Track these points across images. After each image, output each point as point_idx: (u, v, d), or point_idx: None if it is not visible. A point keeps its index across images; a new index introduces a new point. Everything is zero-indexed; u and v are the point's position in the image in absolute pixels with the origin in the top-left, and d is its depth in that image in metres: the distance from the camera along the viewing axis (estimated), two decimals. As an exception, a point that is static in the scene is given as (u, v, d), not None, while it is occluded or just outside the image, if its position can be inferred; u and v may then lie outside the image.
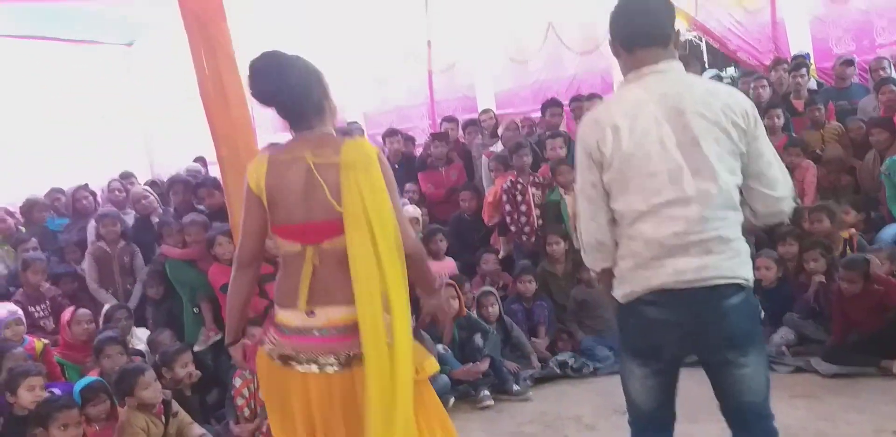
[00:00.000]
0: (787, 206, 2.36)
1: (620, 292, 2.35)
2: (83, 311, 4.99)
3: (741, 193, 2.30)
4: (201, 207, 6.01)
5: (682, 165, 2.20)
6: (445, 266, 5.78)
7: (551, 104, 7.16)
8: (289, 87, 2.22)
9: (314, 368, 2.24)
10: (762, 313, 4.50)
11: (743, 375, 2.29)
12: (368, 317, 2.16)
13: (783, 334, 4.76)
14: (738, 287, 2.25)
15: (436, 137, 7.40)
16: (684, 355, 2.39)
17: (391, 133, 7.71)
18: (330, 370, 2.23)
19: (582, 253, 2.47)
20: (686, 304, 2.23)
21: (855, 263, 4.56)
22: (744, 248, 2.29)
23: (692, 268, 2.21)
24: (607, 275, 2.41)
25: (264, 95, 2.25)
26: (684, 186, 2.20)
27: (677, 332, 2.27)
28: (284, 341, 2.28)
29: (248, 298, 2.50)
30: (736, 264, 2.25)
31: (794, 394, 4.10)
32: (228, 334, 2.57)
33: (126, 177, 7.32)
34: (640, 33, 2.31)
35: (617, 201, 2.29)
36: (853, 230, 5.32)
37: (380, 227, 2.17)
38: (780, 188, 2.30)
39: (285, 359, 2.27)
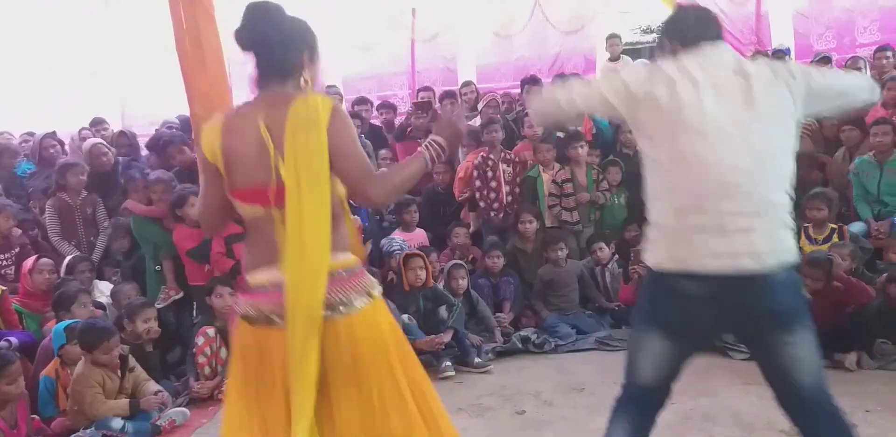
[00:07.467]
0: None
1: None
2: (45, 260, 4.93)
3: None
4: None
5: None
6: (416, 237, 5.79)
7: (531, 82, 6.95)
8: (273, 39, 2.18)
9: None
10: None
11: (794, 354, 2.25)
12: (297, 280, 2.11)
13: (742, 323, 4.84)
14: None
15: (419, 106, 7.15)
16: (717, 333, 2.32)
17: (360, 102, 7.63)
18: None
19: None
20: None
21: (818, 261, 4.60)
22: None
23: None
24: None
25: (249, 37, 2.20)
26: None
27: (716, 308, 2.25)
28: (262, 298, 2.20)
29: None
30: None
31: (749, 381, 4.15)
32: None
33: (96, 124, 7.16)
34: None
35: None
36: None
37: (308, 192, 2.09)
38: None
39: (266, 319, 2.19)
